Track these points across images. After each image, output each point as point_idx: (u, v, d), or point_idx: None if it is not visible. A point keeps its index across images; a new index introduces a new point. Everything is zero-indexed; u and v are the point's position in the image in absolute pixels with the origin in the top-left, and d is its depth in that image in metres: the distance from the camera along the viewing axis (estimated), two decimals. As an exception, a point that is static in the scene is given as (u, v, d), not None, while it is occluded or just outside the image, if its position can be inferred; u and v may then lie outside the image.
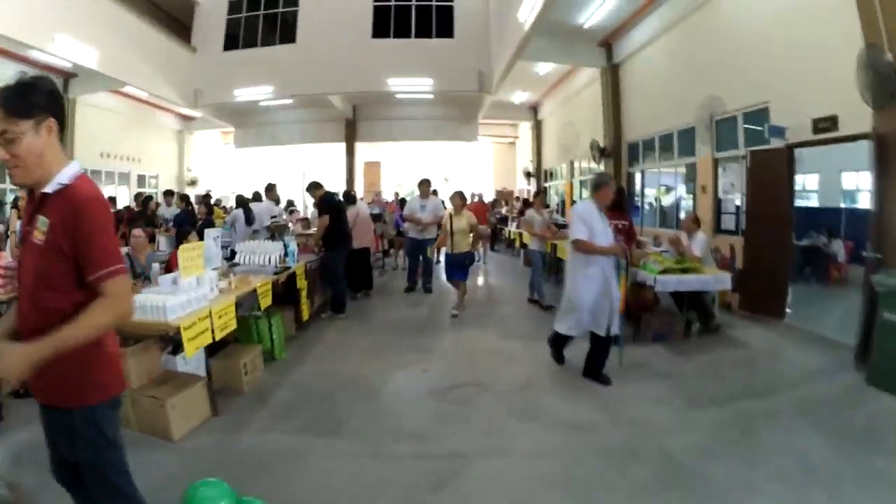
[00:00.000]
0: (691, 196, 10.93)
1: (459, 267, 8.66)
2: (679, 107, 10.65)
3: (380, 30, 17.72)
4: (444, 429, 4.51)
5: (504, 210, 19.40)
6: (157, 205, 14.01)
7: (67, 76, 15.89)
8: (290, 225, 9.65)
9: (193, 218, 10.92)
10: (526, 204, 17.28)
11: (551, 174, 21.47)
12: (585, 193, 16.82)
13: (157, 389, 4.48)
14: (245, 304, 6.05)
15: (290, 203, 17.19)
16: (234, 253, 7.62)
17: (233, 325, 5.24)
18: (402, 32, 17.74)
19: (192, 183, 23.84)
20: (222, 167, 26.06)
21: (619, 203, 6.68)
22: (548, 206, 13.35)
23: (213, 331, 4.77)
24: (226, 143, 25.52)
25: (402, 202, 13.48)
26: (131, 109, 19.87)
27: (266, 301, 6.20)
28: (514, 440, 4.27)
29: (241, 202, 11.01)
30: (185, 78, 18.29)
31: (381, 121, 21.69)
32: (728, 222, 9.42)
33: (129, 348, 4.47)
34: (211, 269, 5.68)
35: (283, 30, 18.46)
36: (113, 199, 13.47)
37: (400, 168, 27.10)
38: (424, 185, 10.41)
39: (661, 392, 5.16)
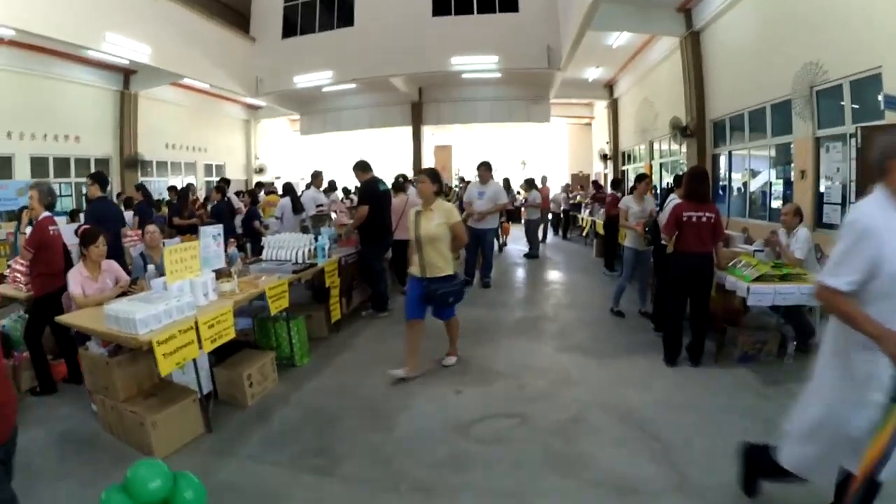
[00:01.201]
0: (781, 181, 9.61)
1: (436, 302, 5.37)
2: (771, 77, 9.32)
3: (440, 7, 16.99)
4: (459, 479, 3.53)
5: (579, 195, 18.23)
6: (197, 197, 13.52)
7: (128, 73, 16.70)
8: (332, 214, 8.83)
9: (231, 209, 10.28)
10: (599, 189, 16.21)
11: (629, 156, 20.10)
12: (667, 177, 15.57)
13: (142, 404, 4.11)
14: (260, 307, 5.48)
15: (347, 191, 16.52)
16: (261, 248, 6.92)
17: (230, 335, 4.59)
18: (464, 9, 16.88)
19: (260, 170, 24.45)
20: (290, 154, 26.14)
21: (702, 191, 5.45)
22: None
23: (200, 342, 4.18)
24: (294, 130, 25.65)
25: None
26: (195, 101, 20.38)
27: (279, 304, 5.44)
28: (541, 504, 3.26)
29: (289, 190, 10.42)
30: (246, 68, 18.62)
31: (448, 103, 21.05)
32: (832, 215, 7.99)
33: (114, 358, 4.15)
34: (211, 271, 4.93)
35: (341, 13, 18.22)
36: (175, 189, 13.05)
37: (472, 151, 26.20)
38: (483, 168, 9.43)
39: (744, 435, 3.80)
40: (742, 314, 6.03)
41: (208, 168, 22.25)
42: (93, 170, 15.94)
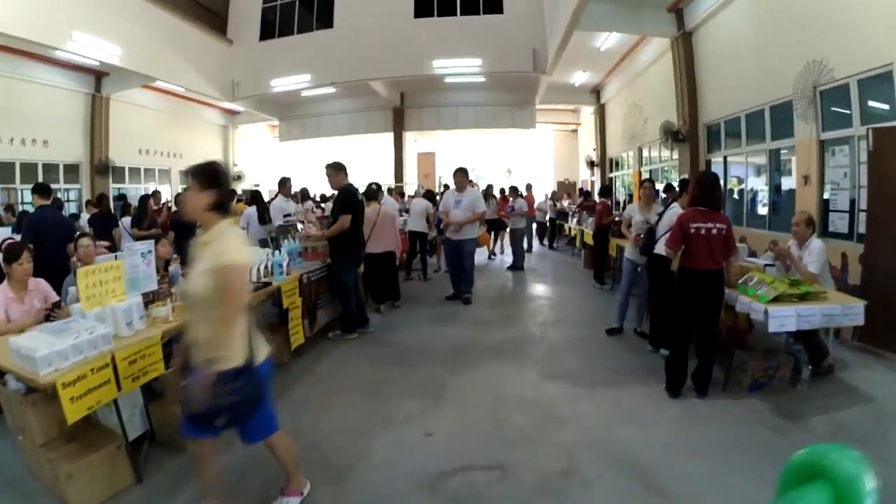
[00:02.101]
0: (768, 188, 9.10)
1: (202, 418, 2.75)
2: (771, 77, 8.81)
3: (422, 8, 16.39)
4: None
5: (566, 203, 17.63)
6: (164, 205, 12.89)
7: (99, 75, 16.25)
8: (299, 225, 8.11)
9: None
10: (587, 197, 15.66)
11: (617, 163, 19.55)
12: (657, 185, 14.98)
13: (60, 450, 3.48)
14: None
15: (324, 199, 15.78)
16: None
17: (158, 370, 3.89)
18: (447, 10, 16.29)
19: (238, 178, 23.85)
20: (270, 161, 25.60)
21: (713, 199, 4.73)
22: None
23: (118, 381, 3.51)
24: (273, 136, 25.23)
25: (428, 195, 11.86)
26: (171, 105, 20.02)
27: None
28: None
29: (255, 198, 9.73)
30: (222, 71, 18.11)
31: (430, 108, 20.71)
32: (838, 223, 7.39)
33: (29, 396, 3.47)
34: (138, 295, 4.24)
35: (320, 15, 17.66)
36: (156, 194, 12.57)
37: (456, 159, 25.73)
38: (459, 174, 8.76)
39: (761, 484, 3.19)
40: (747, 333, 5.45)
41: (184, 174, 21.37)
42: (62, 176, 15.98)
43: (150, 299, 4.52)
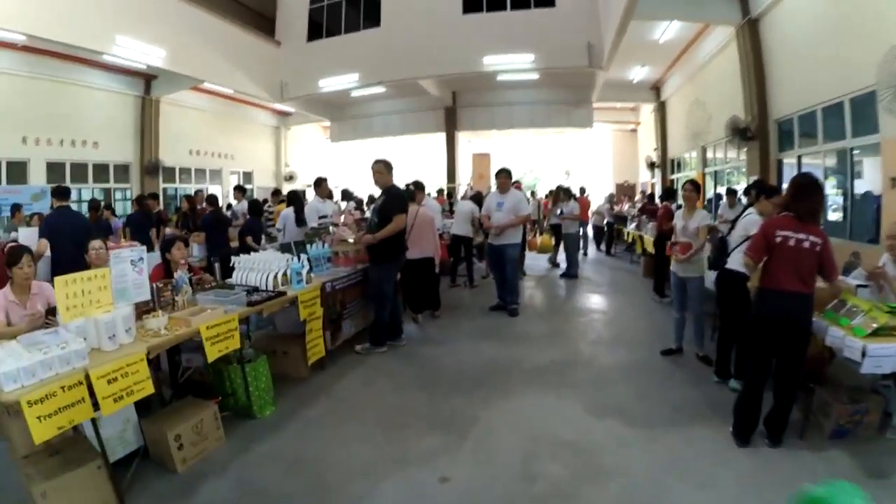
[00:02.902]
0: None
1: None
2: (848, 65, 7.92)
3: (471, 4, 15.77)
4: None
5: (626, 207, 16.72)
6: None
7: (148, 78, 16.67)
8: (331, 228, 7.59)
9: (222, 220, 9.17)
10: (650, 200, 14.81)
11: (679, 164, 18.50)
12: (721, 188, 14.02)
13: (38, 465, 3.23)
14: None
15: (371, 199, 15.31)
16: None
17: (144, 390, 3.47)
18: (497, 4, 15.64)
19: (290, 178, 24.03)
20: (322, 162, 25.52)
21: (813, 207, 3.81)
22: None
23: (95, 400, 3.17)
24: (325, 137, 25.32)
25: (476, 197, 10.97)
26: (221, 107, 20.15)
27: (222, 348, 4.22)
28: None
29: (293, 199, 9.32)
30: (271, 72, 18.13)
31: (484, 107, 20.16)
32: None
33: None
34: (128, 306, 3.81)
35: (367, 13, 17.39)
36: (190, 197, 12.47)
37: (512, 160, 25.11)
38: (502, 175, 8.11)
39: None
40: (827, 364, 4.59)
41: (237, 175, 21.95)
42: (112, 175, 16.32)
43: (148, 308, 4.17)
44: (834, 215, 9.05)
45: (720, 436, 4.06)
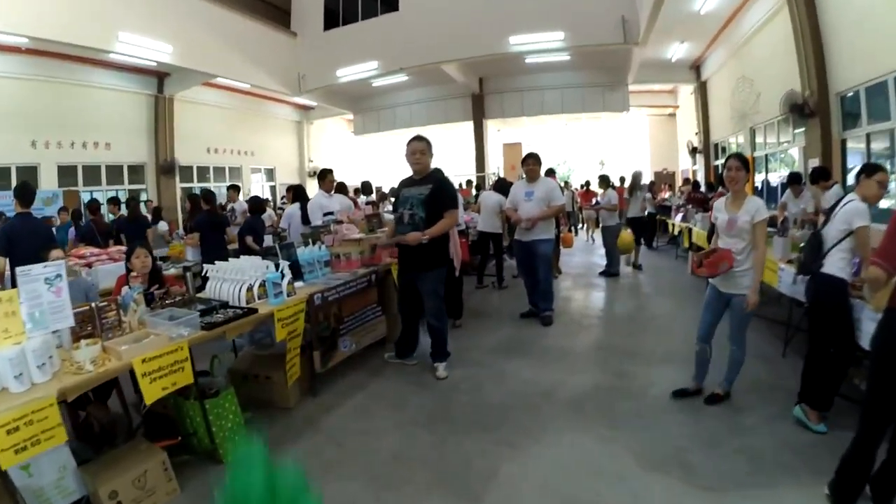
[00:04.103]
0: None
1: None
2: None
3: (494, -20, 14.65)
4: None
5: (667, 195, 15.52)
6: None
7: (161, 76, 16.29)
8: (334, 226, 6.62)
9: (219, 220, 8.27)
10: (696, 188, 13.65)
11: (723, 149, 17.10)
12: (774, 174, 12.78)
13: None
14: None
15: (393, 191, 14.38)
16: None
17: (56, 438, 2.75)
18: (522, -19, 14.44)
19: (314, 174, 22.71)
20: (347, 156, 24.89)
21: None
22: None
23: None
24: (349, 131, 24.60)
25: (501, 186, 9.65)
26: (239, 103, 19.73)
27: (166, 384, 3.35)
28: None
29: (299, 195, 8.54)
30: (288, 64, 17.58)
31: (512, 93, 19.19)
32: None
33: None
34: (47, 334, 3.06)
35: None
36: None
37: (544, 149, 24.15)
38: (531, 161, 6.98)
39: None
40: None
41: (263, 172, 21.80)
42: (126, 177, 15.90)
43: (86, 333, 3.38)
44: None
45: (813, 498, 2.99)
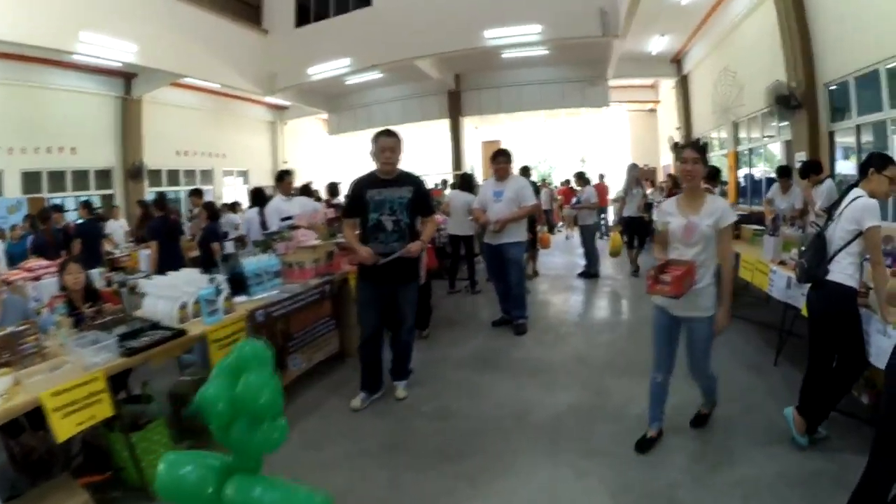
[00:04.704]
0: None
1: None
2: None
3: (468, -28, 14.23)
4: None
5: (649, 192, 15.11)
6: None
7: (128, 77, 15.55)
8: (290, 232, 6.10)
9: (173, 227, 7.68)
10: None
11: (705, 144, 16.65)
12: (756, 169, 12.42)
13: None
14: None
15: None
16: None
17: None
18: (498, -28, 14.04)
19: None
20: (323, 157, 24.36)
21: None
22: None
23: None
24: (325, 131, 23.99)
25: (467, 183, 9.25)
26: (209, 103, 18.94)
27: (75, 423, 2.92)
28: None
29: (257, 198, 7.90)
30: (258, 63, 16.99)
31: (490, 89, 18.76)
32: None
33: None
34: None
35: None
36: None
37: (523, 147, 24.25)
38: (500, 159, 6.49)
39: None
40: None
41: (236, 175, 21.02)
42: (92, 183, 15.16)
43: (3, 361, 3.01)
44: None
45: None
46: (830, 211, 3.51)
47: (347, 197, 4.64)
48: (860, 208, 3.19)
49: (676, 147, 18.07)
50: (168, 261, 6.93)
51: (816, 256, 3.39)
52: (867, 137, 8.33)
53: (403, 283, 4.52)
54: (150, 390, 3.73)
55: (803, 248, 3.56)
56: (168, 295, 4.02)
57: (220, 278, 4.14)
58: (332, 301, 5.35)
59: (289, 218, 6.83)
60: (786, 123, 10.22)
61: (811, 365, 3.53)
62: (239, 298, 4.42)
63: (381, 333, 4.61)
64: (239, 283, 4.58)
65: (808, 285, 3.57)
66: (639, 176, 8.88)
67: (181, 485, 1.97)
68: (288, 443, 3.81)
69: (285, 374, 4.57)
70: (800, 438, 3.44)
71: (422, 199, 4.52)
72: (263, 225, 7.17)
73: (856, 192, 3.34)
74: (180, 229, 7.97)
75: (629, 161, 22.00)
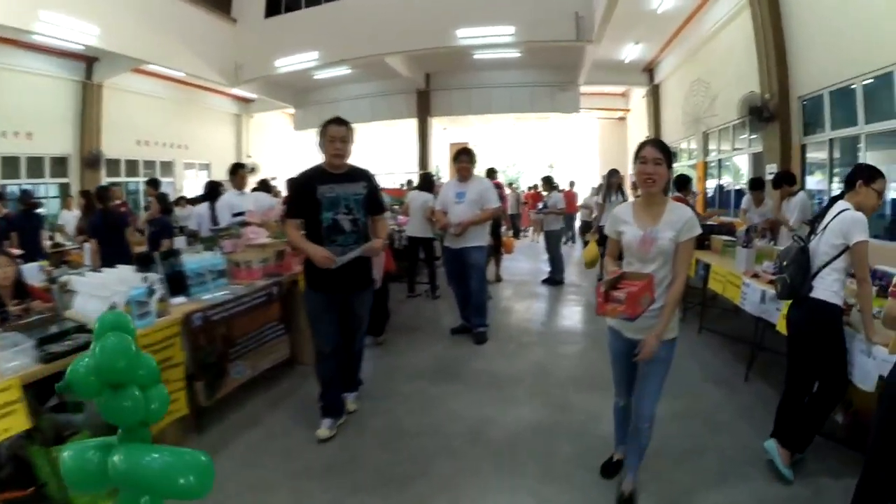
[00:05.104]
0: None
1: None
2: None
3: (443, -29, 14.03)
4: None
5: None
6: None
7: (90, 61, 14.89)
8: (240, 229, 5.74)
9: (116, 220, 7.16)
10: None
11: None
12: (724, 179, 12.35)
13: None
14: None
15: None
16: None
17: None
18: (473, -29, 13.85)
19: (252, 170, 21.63)
20: (288, 152, 23.68)
21: None
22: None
23: None
24: (292, 125, 23.46)
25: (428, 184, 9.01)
26: (173, 93, 18.28)
27: None
28: None
29: (210, 192, 7.43)
30: (226, 52, 16.54)
31: (460, 90, 18.52)
32: None
33: None
34: None
35: None
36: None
37: (492, 150, 24.08)
38: (463, 158, 6.14)
39: None
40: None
41: (198, 167, 20.21)
42: (48, 170, 14.47)
43: None
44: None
45: None
46: (814, 224, 3.29)
47: (292, 194, 4.10)
48: (848, 221, 2.98)
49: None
50: (113, 257, 6.50)
51: (800, 272, 3.17)
52: (836, 153, 8.32)
53: (359, 288, 4.05)
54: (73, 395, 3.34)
55: (785, 263, 3.30)
56: (99, 294, 3.64)
57: (154, 277, 3.77)
58: (282, 304, 4.95)
59: (241, 214, 6.49)
60: (756, 136, 10.16)
61: (789, 387, 3.32)
62: (177, 300, 4.05)
63: (339, 349, 4.06)
64: (179, 283, 4.21)
65: (785, 300, 3.35)
66: (620, 182, 8.46)
67: (83, 470, 1.91)
68: (229, 457, 3.54)
69: (226, 383, 4.21)
70: (786, 472, 3.19)
71: (374, 196, 4.07)
72: (215, 220, 6.80)
73: (842, 204, 3.13)
74: (125, 221, 7.40)
75: (595, 169, 22.27)
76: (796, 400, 3.26)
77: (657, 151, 2.72)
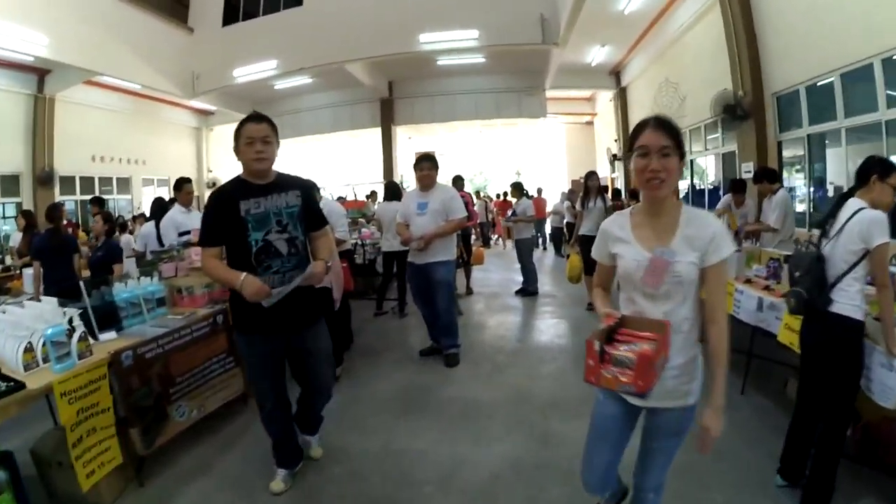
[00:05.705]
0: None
1: None
2: (879, 19, 6.21)
3: (404, -27, 13.69)
4: None
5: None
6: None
7: (42, 73, 14.36)
8: (182, 251, 5.21)
9: (63, 243, 6.51)
10: (617, 196, 13.01)
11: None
12: (698, 180, 12.15)
13: None
14: None
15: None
16: None
17: None
18: (434, -27, 13.53)
19: (213, 185, 21.67)
20: (251, 167, 22.73)
21: None
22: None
23: None
24: None
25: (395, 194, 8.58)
26: (130, 106, 17.83)
27: None
28: None
29: (157, 211, 6.87)
30: (182, 63, 16.01)
31: (423, 98, 18.20)
32: None
33: None
34: None
35: None
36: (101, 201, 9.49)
37: (458, 158, 23.79)
38: (424, 166, 5.67)
39: None
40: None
41: (156, 183, 19.56)
42: None
43: None
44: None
45: None
46: (825, 226, 2.88)
47: (207, 216, 3.16)
48: (867, 222, 2.62)
49: (616, 159, 17.89)
50: (58, 282, 5.93)
51: (817, 284, 2.76)
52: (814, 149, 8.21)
53: (307, 325, 3.26)
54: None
55: (798, 275, 2.90)
56: (14, 334, 3.11)
57: (73, 311, 3.25)
58: (229, 334, 4.35)
59: (187, 233, 5.93)
60: (728, 135, 10.04)
61: (801, 411, 2.95)
62: (106, 335, 3.56)
63: (285, 401, 3.39)
64: (110, 316, 3.71)
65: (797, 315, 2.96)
66: (599, 184, 7.96)
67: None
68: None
69: (167, 427, 3.68)
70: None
71: (312, 207, 3.29)
72: (161, 240, 6.24)
73: (855, 202, 2.75)
74: (74, 245, 6.75)
75: (563, 173, 22.11)
76: (809, 426, 2.89)
77: (664, 136, 1.84)
